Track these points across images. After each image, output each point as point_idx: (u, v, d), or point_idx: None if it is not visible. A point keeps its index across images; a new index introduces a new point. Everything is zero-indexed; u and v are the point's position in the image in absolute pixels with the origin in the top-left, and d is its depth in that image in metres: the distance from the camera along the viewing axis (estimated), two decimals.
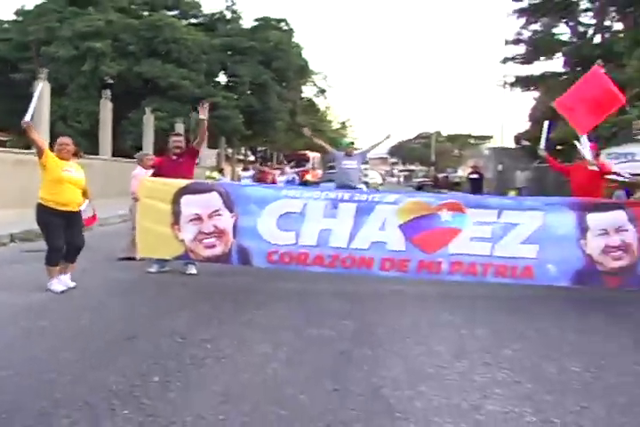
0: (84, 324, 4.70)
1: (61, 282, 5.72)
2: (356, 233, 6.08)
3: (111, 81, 27.19)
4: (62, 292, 5.62)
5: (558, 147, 20.75)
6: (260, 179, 18.56)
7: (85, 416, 2.95)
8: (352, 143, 10.88)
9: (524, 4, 28.27)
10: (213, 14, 35.00)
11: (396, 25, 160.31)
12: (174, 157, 7.04)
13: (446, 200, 6.28)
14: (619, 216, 6.07)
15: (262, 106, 32.19)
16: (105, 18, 27.30)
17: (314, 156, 37.31)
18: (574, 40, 28.01)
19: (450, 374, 3.71)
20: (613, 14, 25.93)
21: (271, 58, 33.25)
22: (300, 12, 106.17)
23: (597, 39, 26.87)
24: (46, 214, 5.62)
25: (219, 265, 6.59)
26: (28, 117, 5.71)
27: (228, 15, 35.19)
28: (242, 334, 4.51)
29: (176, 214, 6.23)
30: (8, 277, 6.53)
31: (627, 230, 6.01)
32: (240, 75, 31.42)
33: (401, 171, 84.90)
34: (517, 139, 32.13)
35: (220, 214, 6.21)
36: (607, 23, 26.57)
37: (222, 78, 33.85)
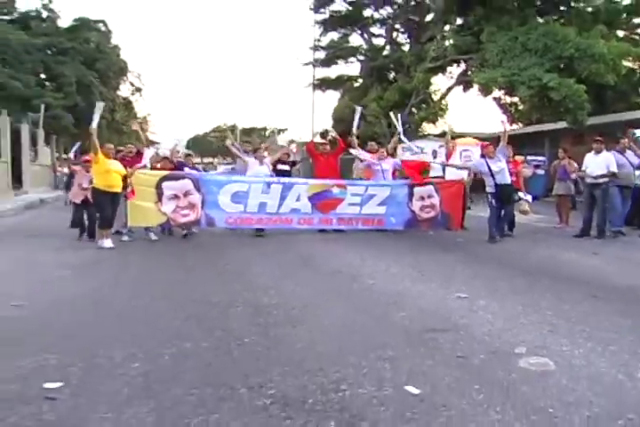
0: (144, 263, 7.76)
1: (109, 242, 8.46)
2: (282, 203, 9.74)
3: None
4: (111, 248, 8.33)
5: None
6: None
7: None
8: None
9: (326, 16, 32.86)
10: (28, 12, 35.26)
11: (205, 29, 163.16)
12: (128, 158, 9.90)
13: (336, 182, 10.17)
14: (429, 188, 10.41)
15: (88, 105, 33.48)
16: None
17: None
18: (367, 48, 33.19)
19: (364, 259, 7.55)
20: (402, 30, 31.50)
21: (93, 59, 34.79)
22: (113, 11, 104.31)
23: (388, 50, 32.31)
24: (100, 195, 8.48)
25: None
26: (94, 125, 8.46)
27: (44, 14, 35.79)
28: (246, 258, 7.94)
29: (159, 195, 9.24)
30: None
31: (434, 196, 10.37)
32: (65, 75, 32.48)
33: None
34: (323, 134, 36.56)
35: (191, 194, 9.37)
36: (395, 35, 32.06)
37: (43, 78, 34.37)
